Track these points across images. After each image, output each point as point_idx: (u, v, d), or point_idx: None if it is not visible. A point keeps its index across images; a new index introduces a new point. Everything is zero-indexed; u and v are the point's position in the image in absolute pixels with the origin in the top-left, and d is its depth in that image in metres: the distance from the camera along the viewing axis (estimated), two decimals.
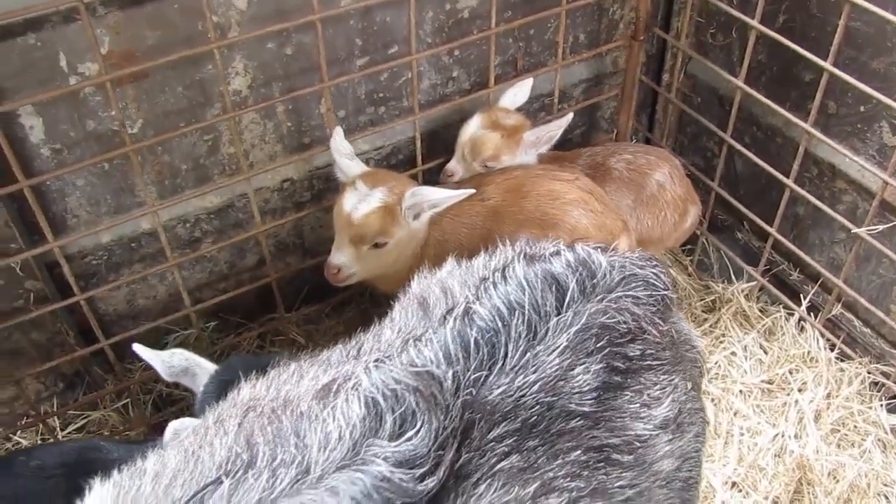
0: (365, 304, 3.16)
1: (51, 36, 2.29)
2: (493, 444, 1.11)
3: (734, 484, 2.51)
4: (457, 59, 2.98)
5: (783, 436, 2.60)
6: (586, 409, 1.19)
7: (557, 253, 1.33)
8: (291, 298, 3.07)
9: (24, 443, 2.80)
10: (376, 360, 1.14)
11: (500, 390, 1.14)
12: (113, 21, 2.32)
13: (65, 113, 2.43)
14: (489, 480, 1.09)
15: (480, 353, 1.16)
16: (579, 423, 1.19)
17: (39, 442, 2.81)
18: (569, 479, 1.16)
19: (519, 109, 2.87)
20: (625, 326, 1.28)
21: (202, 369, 2.06)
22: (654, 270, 1.39)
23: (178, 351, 2.08)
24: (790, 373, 2.79)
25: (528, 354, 1.18)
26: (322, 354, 1.39)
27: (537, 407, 1.16)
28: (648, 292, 1.35)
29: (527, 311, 1.21)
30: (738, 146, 2.92)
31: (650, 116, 3.61)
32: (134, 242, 2.76)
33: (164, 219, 2.71)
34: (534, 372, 1.17)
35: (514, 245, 1.38)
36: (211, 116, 2.60)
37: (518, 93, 2.81)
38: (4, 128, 2.32)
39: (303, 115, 2.77)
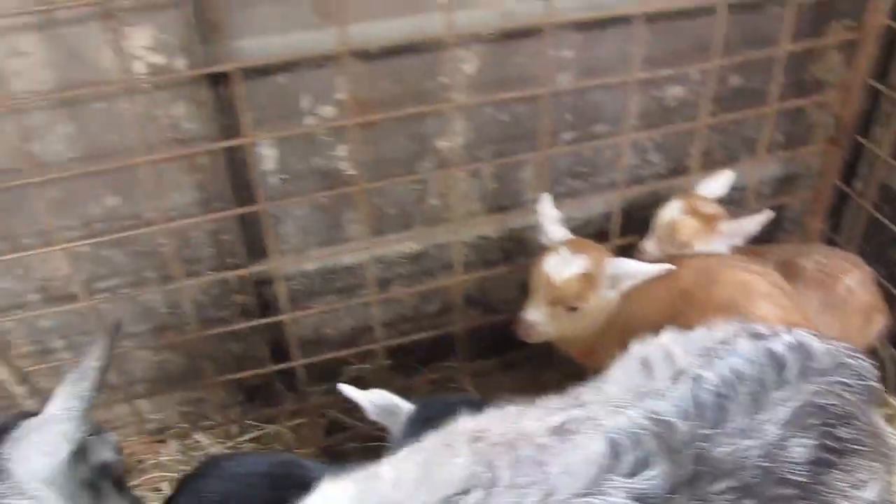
0: (536, 366, 3.28)
1: (298, 78, 2.58)
2: (715, 496, 1.21)
3: None
4: (657, 144, 3.12)
5: None
6: (799, 479, 1.27)
7: (777, 334, 1.43)
8: (466, 350, 3.23)
9: (204, 442, 3.04)
10: (617, 406, 1.26)
11: (725, 449, 1.24)
12: (354, 70, 2.58)
13: (297, 148, 2.70)
14: None
15: (710, 413, 1.26)
16: (792, 491, 1.26)
17: (217, 444, 3.04)
18: None
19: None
20: (838, 409, 1.35)
21: (401, 409, 2.21)
22: (863, 361, 1.46)
23: (382, 392, 2.23)
24: None
25: (751, 421, 1.28)
26: (536, 402, 1.52)
27: (756, 470, 1.24)
28: (858, 381, 1.41)
29: (752, 383, 1.31)
30: None
31: (836, 221, 3.62)
32: (332, 275, 2.99)
33: (365, 257, 2.93)
34: (755, 438, 1.26)
35: (734, 322, 1.48)
36: (423, 169, 2.83)
37: (718, 183, 2.91)
38: (244, 155, 2.61)
39: (507, 178, 2.96)
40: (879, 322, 2.89)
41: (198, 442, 3.06)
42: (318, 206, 2.83)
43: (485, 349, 3.28)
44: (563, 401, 1.47)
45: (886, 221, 3.17)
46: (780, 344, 1.41)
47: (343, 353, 3.05)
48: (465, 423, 1.47)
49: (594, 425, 1.23)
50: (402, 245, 2.98)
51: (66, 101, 2.33)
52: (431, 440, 1.43)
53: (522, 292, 3.17)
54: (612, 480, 1.15)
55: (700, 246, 2.77)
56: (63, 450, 1.60)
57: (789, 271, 2.81)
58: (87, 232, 2.57)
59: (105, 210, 2.56)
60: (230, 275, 2.72)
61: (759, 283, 2.51)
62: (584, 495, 1.14)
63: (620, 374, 1.47)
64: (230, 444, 3.04)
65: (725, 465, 1.23)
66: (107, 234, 2.51)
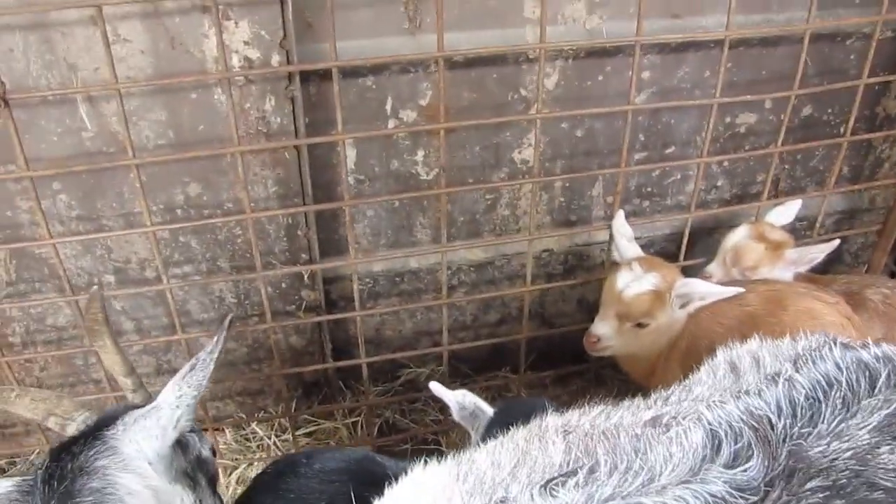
0: (589, 381, 3.32)
1: (385, 82, 2.66)
2: (808, 493, 1.25)
3: None
4: (724, 170, 3.17)
5: None
6: (889, 484, 1.31)
7: (866, 346, 1.48)
8: (522, 361, 3.26)
9: (260, 433, 3.11)
10: (715, 401, 1.32)
11: (818, 449, 1.29)
12: (437, 78, 2.65)
13: (377, 150, 2.78)
14: None
15: (805, 414, 1.31)
16: (882, 496, 1.31)
17: (273, 436, 3.12)
18: None
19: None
20: None
21: (483, 412, 2.26)
22: None
23: (467, 392, 2.29)
24: None
25: (843, 425, 1.32)
26: (622, 403, 1.57)
27: (847, 472, 1.29)
28: None
29: (843, 389, 1.36)
30: None
31: None
32: (398, 277, 3.07)
33: (431, 262, 3.00)
34: (847, 441, 1.31)
35: (820, 334, 1.53)
36: (497, 178, 2.90)
37: (786, 211, 2.95)
38: (324, 153, 2.69)
39: (576, 193, 3.03)
40: None
41: (254, 433, 3.13)
42: (391, 208, 2.91)
43: (539, 361, 3.33)
44: (650, 401, 1.52)
45: None
46: (869, 355, 1.45)
47: (402, 355, 3.11)
48: (552, 419, 1.53)
49: (693, 418, 1.28)
50: (470, 252, 3.04)
51: (162, 89, 2.43)
52: (521, 433, 1.49)
53: (581, 307, 3.25)
54: (712, 470, 1.20)
55: (765, 272, 2.82)
56: (170, 436, 1.69)
57: (854, 302, 2.85)
58: (168, 218, 2.66)
59: (187, 197, 2.65)
60: (303, 269, 2.79)
61: (827, 311, 2.55)
62: (686, 482, 1.19)
63: (708, 377, 1.52)
64: (285, 436, 3.11)
65: (818, 464, 1.28)
66: (187, 222, 2.60)
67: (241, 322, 2.93)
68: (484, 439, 2.13)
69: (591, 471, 1.22)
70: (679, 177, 3.12)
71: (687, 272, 2.98)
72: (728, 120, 3.06)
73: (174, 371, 2.93)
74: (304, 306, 2.95)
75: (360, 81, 2.64)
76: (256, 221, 2.70)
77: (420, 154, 2.81)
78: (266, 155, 2.60)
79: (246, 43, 2.38)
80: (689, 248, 3.07)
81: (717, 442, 1.24)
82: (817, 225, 3.23)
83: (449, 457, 1.45)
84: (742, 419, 1.26)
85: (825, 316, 2.53)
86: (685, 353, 2.59)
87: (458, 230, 3.00)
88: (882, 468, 1.32)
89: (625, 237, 2.72)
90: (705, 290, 2.54)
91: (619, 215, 2.74)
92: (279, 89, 2.48)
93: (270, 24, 2.37)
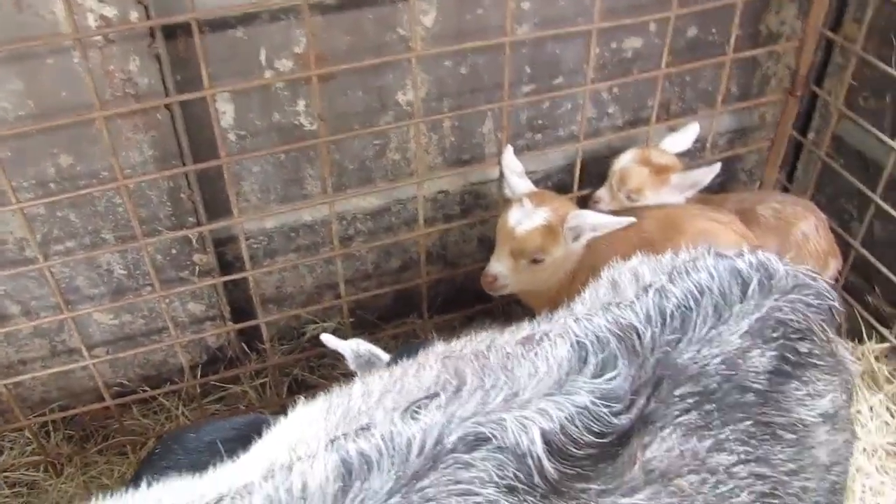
0: (497, 320, 3.35)
1: (257, 32, 2.60)
2: (677, 399, 1.30)
3: None
4: (614, 96, 3.20)
5: None
6: (759, 387, 1.37)
7: (741, 254, 1.52)
8: (428, 306, 3.27)
9: (167, 404, 3.07)
10: (584, 315, 1.34)
11: (687, 356, 1.33)
12: (312, 24, 2.61)
13: (255, 103, 2.73)
14: (672, 428, 1.28)
15: (674, 322, 1.35)
16: (751, 398, 1.36)
17: (181, 406, 3.08)
18: (738, 443, 1.33)
19: None
20: (797, 325, 1.45)
21: (379, 359, 2.27)
22: (823, 284, 1.56)
23: (361, 341, 2.30)
24: None
25: (714, 332, 1.37)
26: (510, 327, 1.60)
27: (717, 377, 1.34)
28: (819, 301, 1.52)
29: (715, 296, 1.41)
30: (891, 209, 3.03)
31: (789, 172, 3.74)
32: (293, 232, 3.03)
33: (325, 213, 2.98)
34: (717, 346, 1.35)
35: (699, 246, 1.58)
36: (384, 122, 2.87)
37: (682, 137, 3.01)
38: (199, 110, 2.63)
39: (466, 132, 3.03)
40: (833, 266, 3.03)
41: (162, 405, 3.09)
42: (277, 162, 2.87)
43: (446, 304, 3.36)
44: (535, 321, 1.55)
45: (843, 171, 3.29)
46: (743, 262, 1.50)
47: (305, 311, 3.10)
48: (438, 346, 1.55)
49: (561, 333, 1.31)
50: (364, 200, 3.02)
51: (15, 57, 2.33)
52: (403, 364, 1.51)
53: (482, 246, 3.27)
54: (577, 381, 1.23)
55: (652, 196, 2.87)
56: None
57: (747, 219, 2.93)
58: (41, 193, 2.57)
59: (59, 169, 2.56)
60: (189, 233, 2.74)
61: (722, 231, 2.62)
62: (550, 395, 1.22)
63: (590, 296, 1.56)
64: (194, 405, 3.08)
65: (688, 371, 1.32)
66: (61, 195, 2.52)
67: (133, 293, 2.87)
68: None
69: (457, 390, 1.24)
70: (570, 107, 3.14)
71: (584, 203, 3.03)
72: (614, 46, 3.08)
73: (70, 351, 2.91)
74: (197, 271, 2.90)
75: (230, 33, 2.57)
76: (136, 188, 2.64)
77: (301, 104, 2.77)
78: (137, 118, 2.53)
79: (100, 0, 2.29)
80: (585, 178, 3.11)
81: (583, 353, 1.27)
82: (709, 145, 3.30)
83: (326, 394, 1.47)
84: (609, 330, 1.29)
85: (720, 236, 2.60)
86: (585, 284, 2.62)
87: (349, 178, 2.98)
88: (752, 371, 1.37)
89: (515, 173, 2.73)
90: (596, 221, 2.58)
91: (508, 151, 2.75)
92: (142, 48, 2.41)
93: None
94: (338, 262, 2.85)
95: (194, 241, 2.81)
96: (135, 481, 2.08)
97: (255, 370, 3.14)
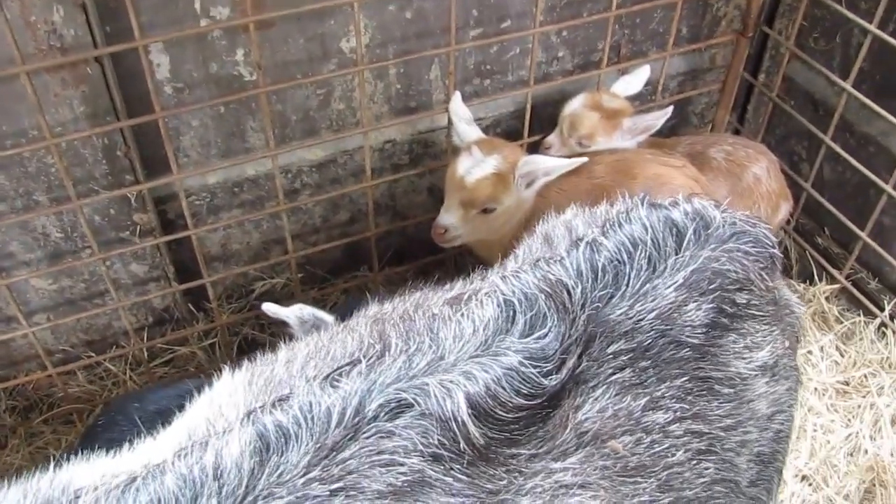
0: (449, 271, 3.33)
1: None
2: (610, 357, 1.27)
3: (804, 477, 2.63)
4: (564, 40, 3.14)
5: (858, 435, 2.71)
6: (695, 341, 1.34)
7: (676, 203, 1.49)
8: (377, 259, 3.23)
9: (114, 369, 3.02)
10: (511, 272, 1.30)
11: (620, 312, 1.30)
12: None
13: (191, 53, 2.63)
14: (605, 387, 1.25)
15: (606, 277, 1.32)
16: (687, 353, 1.34)
17: (128, 371, 3.03)
18: (674, 400, 1.31)
19: None
20: (734, 275, 1.42)
21: (324, 322, 2.22)
22: (762, 230, 1.53)
23: (303, 305, 2.24)
24: (866, 377, 2.90)
25: (648, 286, 1.34)
26: (443, 286, 1.56)
27: (652, 332, 1.31)
28: (757, 249, 1.49)
29: (648, 248, 1.37)
30: (838, 148, 3.03)
31: (741, 114, 3.73)
32: (237, 187, 2.96)
33: (269, 167, 2.90)
34: (651, 301, 1.32)
35: (635, 196, 1.54)
36: (327, 71, 2.79)
37: (633, 80, 2.97)
38: (133, 63, 2.53)
39: (413, 78, 2.95)
40: (784, 209, 3.03)
41: (108, 370, 3.04)
42: (217, 115, 2.78)
43: (397, 256, 3.32)
44: (467, 280, 1.51)
45: (794, 112, 3.27)
46: (679, 212, 1.47)
47: (252, 268, 3.04)
48: (372, 308, 1.51)
49: (488, 291, 1.27)
50: (308, 152, 2.95)
51: None
52: (332, 328, 1.47)
53: (432, 196, 3.22)
54: (505, 341, 1.20)
55: (602, 141, 2.84)
56: None
57: (699, 162, 2.92)
58: None
59: None
60: (127, 191, 2.66)
61: (674, 175, 2.60)
62: (476, 357, 1.18)
63: (523, 251, 1.52)
64: (141, 369, 3.03)
65: (621, 327, 1.29)
66: None
67: (71, 257, 2.79)
68: None
69: (380, 356, 1.20)
70: (518, 51, 3.08)
71: (534, 150, 2.99)
72: None
73: (8, 319, 2.83)
74: (138, 231, 2.83)
75: None
76: (69, 146, 2.54)
77: (240, 53, 2.67)
78: (65, 72, 2.43)
79: None
80: (535, 124, 3.07)
81: (510, 313, 1.23)
82: (660, 88, 3.26)
83: (251, 362, 1.43)
84: (537, 287, 1.25)
85: (673, 180, 2.58)
86: None
87: (293, 130, 2.91)
88: (689, 325, 1.34)
89: (463, 120, 2.68)
90: (548, 164, 2.54)
91: (456, 97, 2.70)
92: None
93: None
94: (284, 217, 2.79)
95: (133, 200, 2.73)
96: (76, 454, 2.05)
97: (203, 331, 3.09)
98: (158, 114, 2.42)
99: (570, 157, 2.83)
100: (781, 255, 1.60)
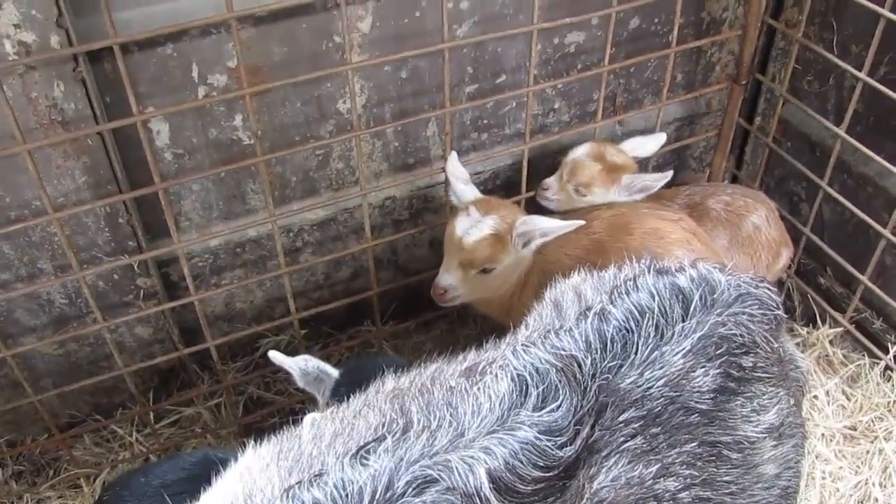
0: (452, 323, 3.37)
1: (187, 47, 2.56)
2: (621, 425, 1.31)
3: None
4: (559, 92, 3.22)
5: (867, 483, 2.73)
6: (703, 407, 1.39)
7: (682, 269, 1.54)
8: (381, 313, 3.27)
9: (120, 432, 3.04)
10: (522, 345, 1.35)
11: (630, 380, 1.35)
12: (245, 36, 2.58)
13: (190, 120, 2.69)
14: (617, 456, 1.29)
15: (615, 347, 1.36)
16: (697, 418, 1.38)
17: (134, 433, 3.05)
18: (684, 466, 1.35)
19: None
20: (741, 339, 1.47)
21: (328, 375, 2.26)
22: (766, 291, 1.58)
23: (309, 357, 2.29)
24: (874, 421, 2.92)
25: (656, 353, 1.39)
26: (457, 357, 1.60)
27: (661, 399, 1.35)
28: (762, 311, 1.54)
29: (656, 316, 1.42)
30: (835, 193, 3.08)
31: (738, 157, 3.79)
32: (239, 248, 3.01)
33: (270, 228, 2.95)
34: (660, 368, 1.37)
35: (641, 261, 1.59)
36: (325, 132, 2.86)
37: (646, 143, 3.04)
38: (133, 130, 2.57)
39: (410, 136, 3.02)
40: (785, 255, 3.08)
41: (114, 432, 3.06)
42: (218, 179, 2.84)
43: (400, 311, 3.36)
44: (481, 350, 1.56)
45: (788, 156, 3.34)
46: (685, 278, 1.52)
47: (256, 328, 3.08)
48: (389, 383, 1.55)
49: (501, 365, 1.31)
50: (310, 212, 3.00)
51: None
52: (354, 401, 1.51)
53: (434, 250, 3.27)
54: (519, 415, 1.25)
55: (599, 192, 2.90)
56: None
57: (698, 213, 2.98)
58: None
59: None
60: (130, 261, 2.70)
61: (672, 229, 2.64)
62: (494, 432, 1.23)
63: (534, 318, 1.57)
64: (147, 431, 3.05)
65: (631, 395, 1.34)
66: None
67: (76, 322, 2.83)
68: (330, 403, 2.16)
69: (404, 432, 1.25)
70: (514, 105, 3.15)
71: (532, 204, 3.05)
72: (557, 41, 3.09)
73: (14, 385, 2.85)
74: (142, 294, 2.87)
75: (160, 51, 2.53)
76: (72, 216, 2.59)
77: (238, 118, 2.74)
78: (67, 144, 2.48)
79: (16, 26, 2.23)
80: (534, 175, 3.11)
81: (523, 387, 1.28)
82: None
83: (276, 437, 1.47)
84: (547, 361, 1.30)
85: (670, 234, 2.62)
86: (538, 288, 2.62)
87: (293, 190, 2.96)
88: (697, 391, 1.39)
89: (460, 180, 2.73)
90: (545, 226, 2.58)
91: (452, 158, 2.75)
92: (66, 72, 2.36)
93: (42, 1, 2.23)
94: (286, 280, 2.83)
95: (136, 266, 2.78)
96: None
97: (209, 391, 3.12)
98: (158, 185, 2.47)
99: (567, 211, 2.91)
100: (785, 315, 1.65)
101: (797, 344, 3.26)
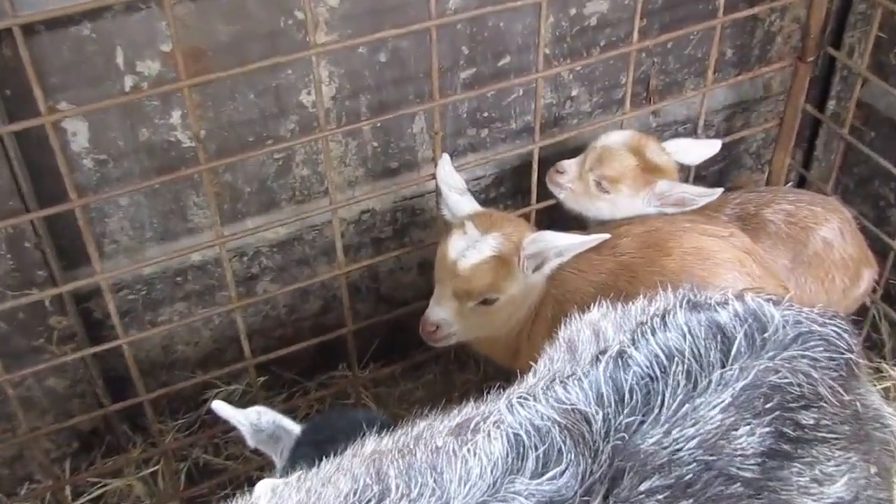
0: (448, 367, 3.39)
1: (108, 27, 2.56)
2: (643, 497, 1.31)
3: None
4: (578, 75, 3.24)
5: None
6: (748, 475, 1.39)
7: (725, 302, 1.54)
8: (360, 354, 3.29)
9: None
10: (520, 397, 1.35)
11: (653, 440, 1.35)
12: (182, 12, 2.58)
13: (115, 119, 2.70)
14: None
15: (634, 399, 1.37)
16: (739, 489, 1.38)
17: None
18: None
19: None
20: (798, 390, 1.47)
21: (287, 432, 2.26)
22: (837, 328, 1.57)
23: (263, 409, 2.28)
24: None
25: (687, 406, 1.39)
26: (452, 411, 1.61)
27: (694, 465, 1.35)
28: (829, 354, 1.53)
29: (687, 360, 1.42)
30: None
31: (807, 152, 3.80)
32: (180, 277, 3.03)
33: (218, 250, 2.95)
34: (692, 426, 1.37)
35: (676, 291, 1.59)
36: (285, 130, 2.88)
37: (695, 148, 3.05)
38: (41, 130, 2.55)
39: (392, 134, 3.05)
40: (867, 276, 3.05)
41: None
42: (152, 190, 2.85)
43: (383, 352, 3.39)
44: (481, 400, 1.57)
45: (866, 149, 3.31)
46: (727, 314, 1.52)
47: (202, 376, 3.10)
48: (368, 445, 1.56)
49: (496, 421, 1.32)
50: (267, 231, 3.00)
51: None
52: (326, 465, 1.51)
53: (424, 275, 3.28)
54: (515, 484, 1.25)
55: (626, 192, 2.90)
56: None
57: (752, 226, 2.96)
58: None
59: None
60: (39, 295, 2.70)
61: (720, 248, 2.62)
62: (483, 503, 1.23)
63: (544, 363, 1.58)
64: None
65: (655, 459, 1.34)
66: None
67: None
68: (290, 468, 2.17)
69: (380, 500, 1.26)
70: (521, 93, 3.17)
71: (544, 219, 3.04)
72: (573, 12, 3.11)
73: None
74: (55, 338, 2.88)
75: (74, 31, 2.53)
76: None
77: (176, 115, 2.75)
78: None
79: None
80: (541, 182, 3.09)
81: (520, 449, 1.28)
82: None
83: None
84: (548, 416, 1.30)
85: (717, 254, 2.60)
86: (552, 323, 2.56)
87: (247, 204, 2.99)
88: (740, 455, 1.39)
89: (454, 189, 2.74)
90: (561, 243, 2.58)
91: (443, 162, 2.76)
92: None
93: None
94: (238, 316, 2.84)
95: (48, 301, 2.79)
96: None
97: (143, 458, 3.12)
98: (75, 201, 2.47)
99: (578, 204, 2.95)
100: (862, 360, 1.64)
101: (885, 391, 3.25)
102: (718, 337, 1.47)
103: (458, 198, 2.73)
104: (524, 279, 2.62)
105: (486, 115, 3.17)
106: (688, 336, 1.46)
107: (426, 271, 3.25)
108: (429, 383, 3.37)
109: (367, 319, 3.22)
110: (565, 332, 1.65)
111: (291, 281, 3.11)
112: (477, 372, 3.34)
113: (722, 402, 1.41)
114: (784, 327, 1.53)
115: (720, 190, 2.88)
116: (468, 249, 2.57)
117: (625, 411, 1.36)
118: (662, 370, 1.41)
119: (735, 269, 2.59)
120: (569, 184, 2.96)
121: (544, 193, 3.07)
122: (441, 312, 2.62)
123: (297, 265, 3.15)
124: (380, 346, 3.39)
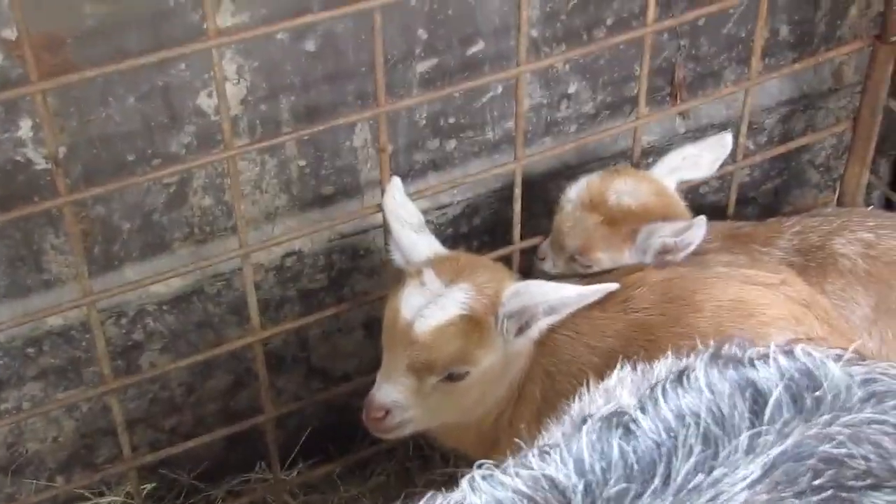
0: (405, 465, 3.45)
1: None
2: None
3: None
4: (576, 67, 3.32)
5: None
6: None
7: (764, 357, 1.62)
8: (284, 449, 3.32)
9: None
10: (485, 470, 1.43)
11: None
12: None
13: None
14: None
15: (628, 466, 1.44)
16: None
17: None
18: None
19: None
20: (864, 464, 1.51)
21: None
22: None
23: None
24: None
25: (702, 477, 1.45)
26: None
27: None
28: None
29: (703, 422, 1.49)
30: None
31: (893, 165, 3.89)
32: (32, 347, 3.06)
33: (85, 311, 2.94)
34: (709, 501, 1.44)
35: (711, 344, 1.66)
36: (178, 146, 2.93)
37: (698, 155, 3.11)
38: None
39: (325, 150, 3.11)
40: None
41: None
42: None
43: (316, 446, 3.42)
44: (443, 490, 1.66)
45: None
46: (766, 370, 1.58)
47: (65, 485, 3.14)
48: None
49: (457, 501, 1.40)
50: (156, 283, 3.00)
51: None
52: None
53: (370, 338, 3.34)
54: None
55: (605, 257, 3.01)
56: None
57: (817, 263, 3.03)
58: None
59: None
60: None
61: (768, 299, 2.65)
62: None
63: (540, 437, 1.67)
64: None
65: None
66: None
67: None
68: None
69: None
70: (500, 91, 3.24)
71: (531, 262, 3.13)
72: None
73: None
74: None
75: None
76: None
77: (27, 126, 2.79)
78: None
79: None
80: (538, 206, 3.20)
81: None
82: (743, 129, 3.35)
83: None
84: (516, 491, 1.39)
85: (765, 309, 2.62)
86: (541, 406, 2.66)
87: (126, 246, 3.03)
88: None
89: (408, 223, 2.75)
90: (552, 297, 2.60)
91: (393, 187, 2.80)
92: None
93: None
94: (114, 400, 2.89)
95: None
96: None
97: None
98: None
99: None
100: None
101: None
102: (748, 392, 1.53)
103: (413, 236, 2.75)
104: (503, 346, 2.64)
105: (452, 121, 3.23)
106: (705, 392, 1.53)
107: (373, 333, 3.26)
108: (380, 487, 3.40)
109: (294, 402, 3.28)
110: (577, 407, 1.71)
111: (189, 351, 3.14)
112: (447, 468, 3.34)
113: (749, 474, 1.46)
114: (848, 387, 1.55)
115: (702, 220, 2.88)
116: (427, 307, 2.57)
117: (612, 480, 1.42)
118: (670, 434, 1.47)
119: (789, 328, 2.58)
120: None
121: (531, 227, 3.13)
122: (392, 392, 2.61)
123: (197, 329, 3.19)
124: (311, 437, 3.42)
